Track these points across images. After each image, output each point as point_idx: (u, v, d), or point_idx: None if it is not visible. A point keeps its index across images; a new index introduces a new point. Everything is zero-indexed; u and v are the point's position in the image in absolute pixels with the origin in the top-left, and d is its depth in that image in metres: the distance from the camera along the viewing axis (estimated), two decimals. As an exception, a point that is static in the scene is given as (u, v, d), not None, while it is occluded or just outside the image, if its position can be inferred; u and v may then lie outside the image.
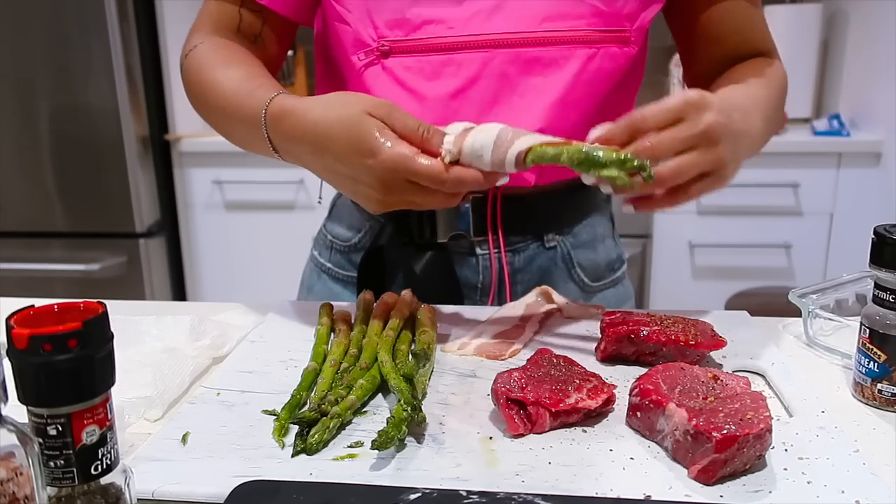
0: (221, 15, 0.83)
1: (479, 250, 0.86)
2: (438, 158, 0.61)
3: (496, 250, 0.86)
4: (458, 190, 0.63)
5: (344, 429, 0.57)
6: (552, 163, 0.60)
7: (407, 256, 0.87)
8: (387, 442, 0.51)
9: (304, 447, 0.54)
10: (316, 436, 0.54)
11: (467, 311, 0.82)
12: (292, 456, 0.53)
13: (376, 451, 0.52)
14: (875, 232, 0.60)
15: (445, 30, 0.76)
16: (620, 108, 0.82)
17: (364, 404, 0.60)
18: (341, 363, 0.66)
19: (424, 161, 0.61)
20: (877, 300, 0.60)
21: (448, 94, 0.77)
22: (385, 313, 0.73)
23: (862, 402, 0.62)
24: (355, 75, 0.80)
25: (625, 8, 0.77)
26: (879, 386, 0.60)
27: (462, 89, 0.77)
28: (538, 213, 0.86)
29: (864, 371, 0.61)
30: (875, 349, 0.60)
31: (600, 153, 0.59)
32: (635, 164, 0.59)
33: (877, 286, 0.60)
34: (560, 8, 0.76)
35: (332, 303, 0.79)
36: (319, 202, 0.91)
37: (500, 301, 0.87)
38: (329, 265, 0.94)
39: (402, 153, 0.61)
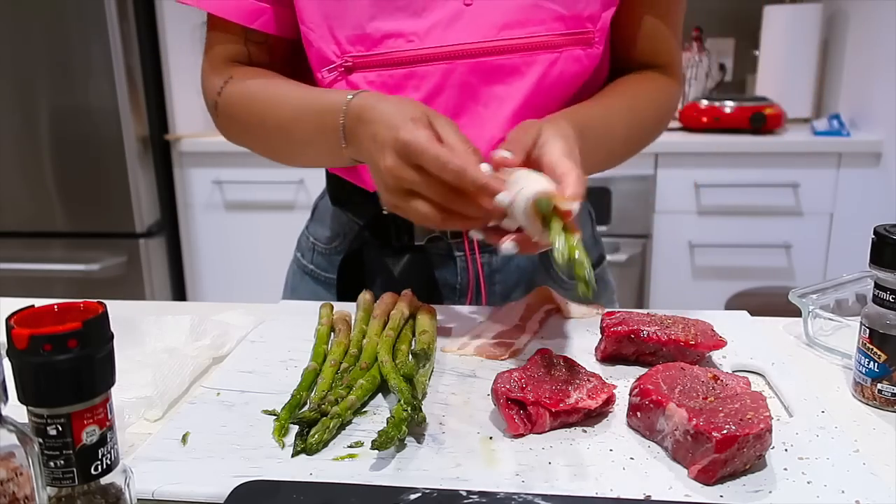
0: (230, 53, 0.84)
1: (456, 252, 0.86)
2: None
3: (472, 252, 0.86)
4: (459, 181, 0.60)
5: (344, 429, 0.57)
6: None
7: (385, 259, 0.87)
8: (387, 442, 0.51)
9: (304, 447, 0.54)
10: (316, 436, 0.54)
11: (467, 311, 0.82)
12: (292, 456, 0.53)
13: (376, 451, 0.52)
14: (875, 232, 0.60)
15: (405, 43, 0.76)
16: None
17: (364, 404, 0.60)
18: (341, 363, 0.66)
19: (435, 144, 0.61)
20: (877, 300, 0.60)
21: None
22: (385, 313, 0.73)
23: (862, 402, 0.62)
24: None
25: (586, 10, 0.77)
26: (879, 386, 0.60)
27: (425, 101, 0.76)
28: None
29: (864, 371, 0.61)
30: (875, 349, 0.60)
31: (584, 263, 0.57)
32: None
33: (877, 286, 0.60)
34: (518, 15, 0.76)
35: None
36: None
37: (477, 302, 0.88)
38: (311, 267, 0.94)
39: (419, 135, 0.61)
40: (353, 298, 0.81)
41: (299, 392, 0.61)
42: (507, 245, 0.63)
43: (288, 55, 0.86)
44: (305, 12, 0.78)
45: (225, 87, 0.82)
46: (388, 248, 0.87)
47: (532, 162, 0.64)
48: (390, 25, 0.76)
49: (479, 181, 0.60)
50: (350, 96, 0.69)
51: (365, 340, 0.68)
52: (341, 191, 0.90)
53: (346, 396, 0.59)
